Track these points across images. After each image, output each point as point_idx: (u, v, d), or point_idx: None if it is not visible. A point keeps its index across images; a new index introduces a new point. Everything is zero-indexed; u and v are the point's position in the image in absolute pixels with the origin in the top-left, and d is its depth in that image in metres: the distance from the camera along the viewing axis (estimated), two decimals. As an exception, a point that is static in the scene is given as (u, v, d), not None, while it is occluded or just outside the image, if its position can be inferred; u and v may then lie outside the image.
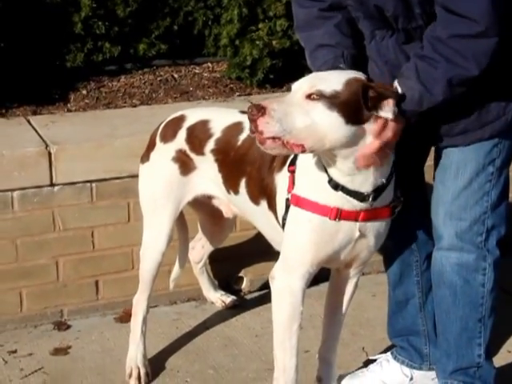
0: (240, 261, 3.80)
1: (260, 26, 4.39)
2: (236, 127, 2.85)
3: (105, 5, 4.29)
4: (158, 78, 4.44)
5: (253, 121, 2.28)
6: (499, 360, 3.10)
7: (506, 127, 2.52)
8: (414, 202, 2.75)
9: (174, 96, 4.27)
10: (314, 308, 3.41)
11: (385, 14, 2.42)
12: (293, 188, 2.55)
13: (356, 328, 3.43)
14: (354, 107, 2.31)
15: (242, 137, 2.80)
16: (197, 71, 4.56)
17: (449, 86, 2.32)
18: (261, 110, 2.26)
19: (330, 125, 2.29)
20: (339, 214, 2.47)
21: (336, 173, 2.42)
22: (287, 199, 2.57)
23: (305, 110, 2.29)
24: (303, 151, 2.32)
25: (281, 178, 2.63)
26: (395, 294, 2.93)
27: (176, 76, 4.49)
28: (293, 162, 2.57)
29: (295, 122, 2.27)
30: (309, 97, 2.30)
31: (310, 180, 2.50)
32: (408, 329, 2.92)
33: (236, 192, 2.84)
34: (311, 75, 2.44)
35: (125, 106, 4.13)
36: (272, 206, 2.69)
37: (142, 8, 4.38)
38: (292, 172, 2.56)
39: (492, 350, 2.81)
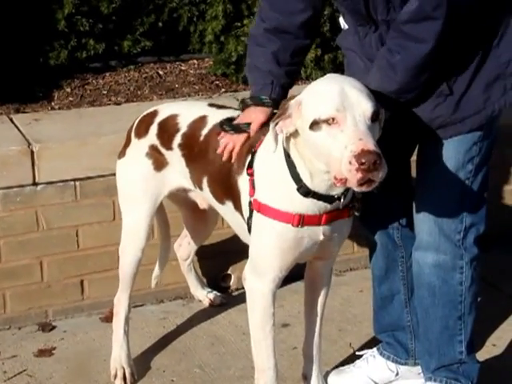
0: (227, 258, 3.77)
1: (245, 22, 4.37)
2: (200, 121, 2.80)
3: (88, 1, 4.26)
4: (143, 75, 4.41)
5: (375, 170, 2.08)
6: (484, 354, 3.10)
7: (486, 121, 2.51)
8: (398, 198, 2.73)
9: (159, 93, 4.24)
10: (302, 304, 3.38)
11: (367, 6, 2.42)
12: (253, 192, 2.50)
13: (343, 324, 3.42)
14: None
15: (204, 132, 2.76)
16: (182, 68, 4.53)
17: (406, 72, 2.34)
18: (379, 156, 2.08)
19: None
20: (302, 220, 2.43)
21: (313, 181, 2.37)
22: (250, 203, 2.53)
23: (374, 136, 2.21)
24: None
25: (242, 181, 2.58)
26: (380, 289, 2.91)
27: (161, 73, 4.46)
28: (250, 165, 2.52)
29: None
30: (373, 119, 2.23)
31: (270, 186, 2.46)
32: (393, 324, 2.91)
33: (201, 188, 2.82)
34: (355, 90, 2.23)
35: (109, 104, 4.09)
36: (238, 208, 2.65)
37: (127, 4, 4.36)
38: (251, 175, 2.51)
39: (476, 344, 2.81)
